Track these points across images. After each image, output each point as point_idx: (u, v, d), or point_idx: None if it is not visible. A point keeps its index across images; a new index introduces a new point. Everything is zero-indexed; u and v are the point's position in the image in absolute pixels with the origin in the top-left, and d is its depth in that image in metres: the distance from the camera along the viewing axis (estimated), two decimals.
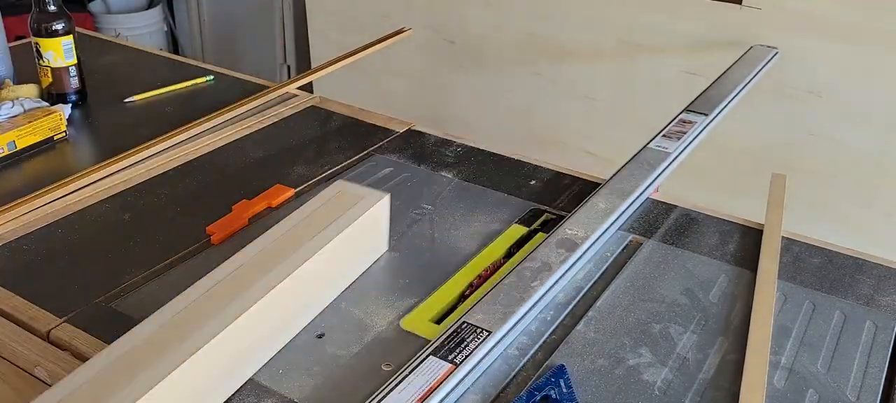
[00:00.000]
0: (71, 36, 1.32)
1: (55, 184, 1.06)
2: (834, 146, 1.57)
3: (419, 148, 1.21)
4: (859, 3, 1.46)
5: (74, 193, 1.06)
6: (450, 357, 0.71)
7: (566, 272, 0.86)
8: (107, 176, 1.10)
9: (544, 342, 0.79)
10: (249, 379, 0.74)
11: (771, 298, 0.84)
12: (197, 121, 1.24)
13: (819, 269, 0.91)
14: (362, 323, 0.82)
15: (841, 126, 1.55)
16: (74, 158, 1.21)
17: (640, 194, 1.01)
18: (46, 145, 1.21)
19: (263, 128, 1.27)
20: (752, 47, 1.56)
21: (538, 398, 0.71)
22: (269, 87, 1.40)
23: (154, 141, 1.18)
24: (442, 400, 0.68)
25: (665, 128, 1.16)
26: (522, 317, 0.79)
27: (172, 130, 1.22)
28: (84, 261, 0.94)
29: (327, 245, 0.81)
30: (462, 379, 0.71)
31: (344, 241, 0.84)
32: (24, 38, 1.59)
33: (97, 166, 1.11)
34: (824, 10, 1.50)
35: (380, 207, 0.90)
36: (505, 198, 1.06)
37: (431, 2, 2.04)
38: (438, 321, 0.83)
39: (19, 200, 1.02)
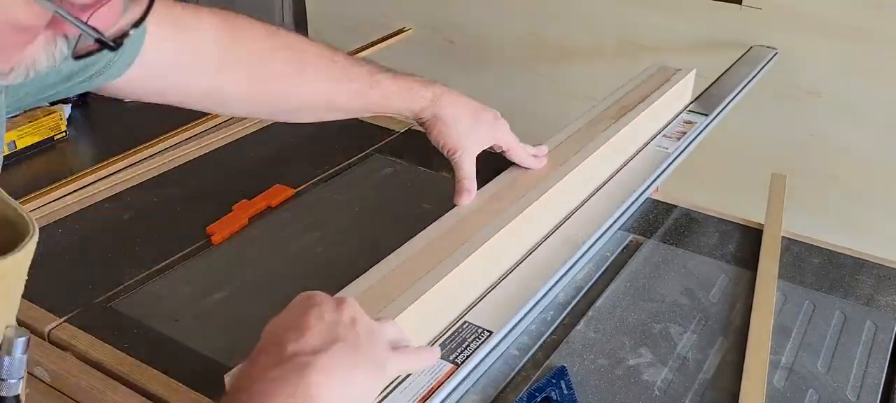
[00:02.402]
0: None
1: (55, 184, 1.06)
2: (834, 146, 1.57)
3: (419, 148, 1.20)
4: (859, 3, 1.46)
5: (74, 193, 1.06)
6: (451, 358, 0.71)
7: (566, 272, 0.86)
8: (107, 176, 1.10)
9: (544, 342, 0.79)
10: None
11: (771, 298, 0.84)
12: (196, 122, 1.24)
13: (819, 269, 0.91)
14: None
15: (841, 126, 1.55)
16: (74, 158, 1.21)
17: (641, 194, 1.01)
18: (46, 145, 1.21)
19: (263, 127, 1.27)
20: (751, 47, 1.56)
21: (539, 399, 0.71)
22: None
23: (154, 141, 1.19)
24: (443, 401, 0.68)
25: (665, 127, 1.16)
26: (523, 317, 0.79)
27: (172, 130, 1.22)
28: (84, 261, 0.94)
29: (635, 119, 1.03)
30: (463, 380, 0.71)
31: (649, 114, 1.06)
32: None
33: (97, 166, 1.11)
34: (824, 10, 1.50)
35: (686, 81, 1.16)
36: None
37: (431, 2, 2.04)
38: None
39: (19, 200, 1.02)
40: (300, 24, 2.54)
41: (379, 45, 1.45)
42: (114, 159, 1.13)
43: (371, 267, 0.75)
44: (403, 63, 1.57)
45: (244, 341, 0.79)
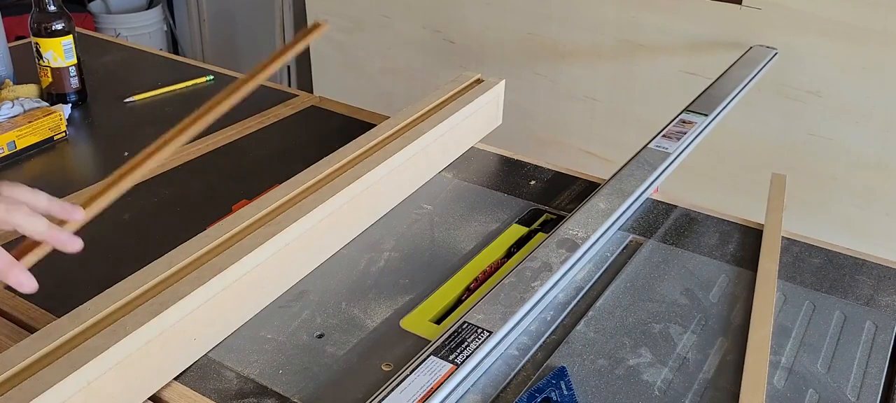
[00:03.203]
0: (71, 36, 1.32)
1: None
2: (833, 146, 1.57)
3: None
4: (859, 3, 1.46)
5: (73, 193, 1.06)
6: (450, 358, 0.71)
7: (566, 272, 0.86)
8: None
9: (544, 342, 0.80)
10: (249, 379, 0.75)
11: (771, 298, 0.84)
12: (187, 121, 1.24)
13: (819, 269, 0.91)
14: (362, 323, 0.82)
15: (840, 126, 1.55)
16: (74, 158, 1.21)
17: (641, 194, 1.01)
18: (46, 145, 1.21)
19: (263, 128, 1.27)
20: (751, 47, 1.56)
21: (539, 399, 0.71)
22: (272, 89, 1.40)
23: (154, 147, 1.19)
24: (443, 401, 0.68)
25: (665, 128, 1.16)
26: (523, 318, 0.79)
27: (172, 130, 1.21)
28: (84, 261, 0.94)
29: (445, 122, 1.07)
30: (463, 380, 0.71)
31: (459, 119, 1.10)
32: (24, 38, 1.59)
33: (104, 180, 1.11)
34: (824, 10, 1.50)
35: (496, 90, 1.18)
36: (505, 198, 1.06)
37: (431, 2, 2.04)
38: (438, 321, 0.83)
39: None
40: (300, 24, 2.54)
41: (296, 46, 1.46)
42: (119, 172, 1.13)
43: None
44: (404, 64, 1.57)
45: (243, 339, 0.80)
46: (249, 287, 0.80)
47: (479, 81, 1.20)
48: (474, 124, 1.17)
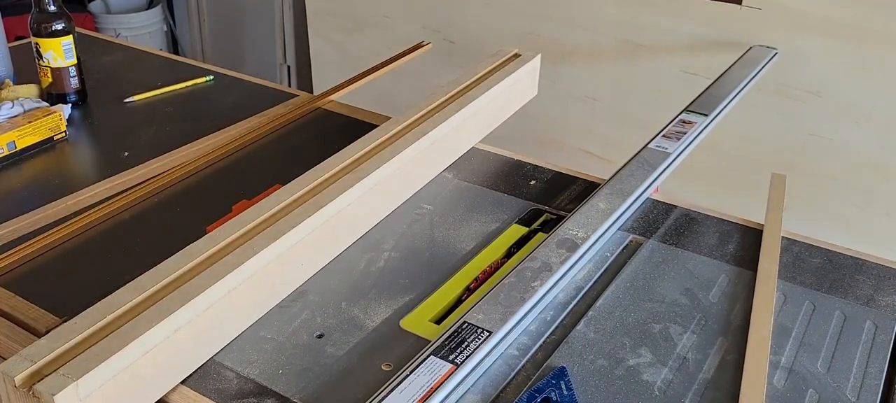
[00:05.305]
0: (71, 36, 1.32)
1: (60, 199, 1.05)
2: (833, 146, 1.57)
3: None
4: (859, 3, 1.46)
5: (73, 194, 1.06)
6: (450, 358, 0.71)
7: (566, 272, 0.86)
8: (110, 197, 1.10)
9: (544, 342, 0.79)
10: (249, 379, 0.75)
11: (771, 298, 0.84)
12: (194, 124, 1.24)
13: (819, 269, 0.91)
14: (362, 323, 0.82)
15: (841, 126, 1.55)
16: (74, 158, 1.21)
17: (641, 194, 1.01)
18: (46, 145, 1.21)
19: (263, 128, 1.27)
20: (751, 47, 1.56)
21: (539, 399, 0.71)
22: (272, 89, 1.40)
23: (158, 159, 1.18)
24: (443, 401, 0.68)
25: (665, 128, 1.16)
26: (523, 318, 0.79)
27: (171, 130, 1.21)
28: (84, 261, 0.94)
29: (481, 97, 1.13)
30: (463, 380, 0.71)
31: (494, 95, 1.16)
32: (24, 38, 1.59)
33: (101, 181, 1.11)
34: (824, 10, 1.50)
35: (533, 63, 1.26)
36: (505, 198, 1.06)
37: (431, 2, 2.04)
38: (438, 321, 0.83)
39: (22, 217, 1.01)
40: (300, 24, 2.54)
41: (399, 61, 1.46)
42: (119, 175, 1.12)
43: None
44: (404, 64, 1.57)
45: (243, 339, 0.80)
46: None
47: (517, 56, 1.28)
48: (513, 95, 1.24)
